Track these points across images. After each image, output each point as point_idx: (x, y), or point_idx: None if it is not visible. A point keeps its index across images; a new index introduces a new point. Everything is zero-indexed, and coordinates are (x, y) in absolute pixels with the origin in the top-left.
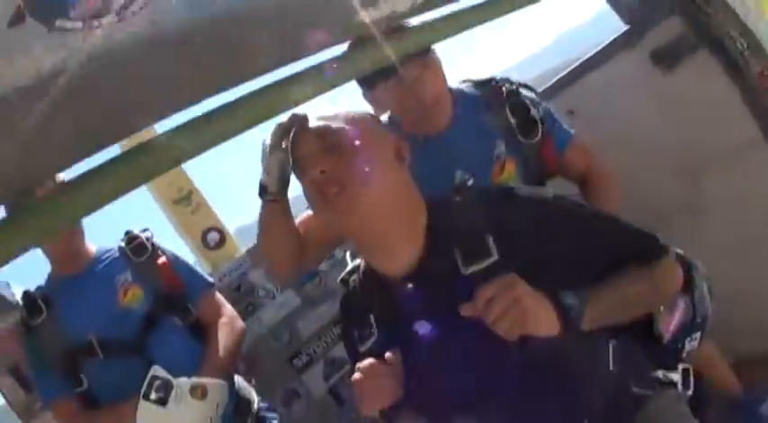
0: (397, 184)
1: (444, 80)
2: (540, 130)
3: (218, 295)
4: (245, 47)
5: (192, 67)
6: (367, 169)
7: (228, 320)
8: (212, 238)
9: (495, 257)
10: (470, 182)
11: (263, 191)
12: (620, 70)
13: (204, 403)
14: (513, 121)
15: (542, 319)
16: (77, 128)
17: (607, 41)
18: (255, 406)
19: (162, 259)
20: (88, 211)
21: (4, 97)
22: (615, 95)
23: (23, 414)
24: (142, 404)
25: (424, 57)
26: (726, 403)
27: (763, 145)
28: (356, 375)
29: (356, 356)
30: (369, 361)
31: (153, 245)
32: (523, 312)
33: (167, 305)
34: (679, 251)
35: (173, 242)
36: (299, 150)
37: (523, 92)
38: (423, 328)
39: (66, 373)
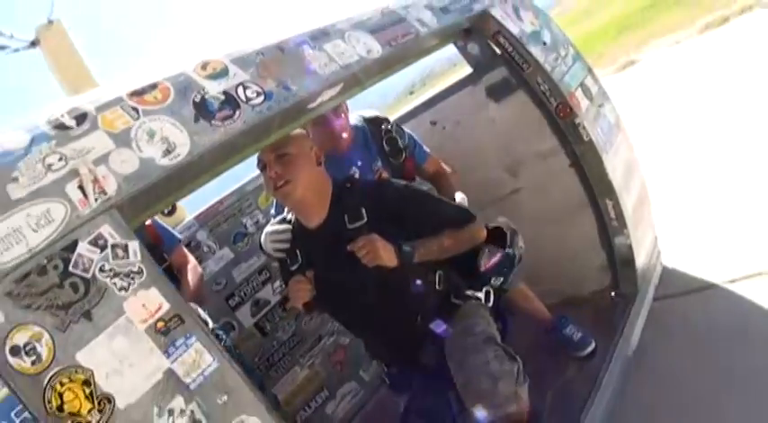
0: (316, 178)
1: (348, 121)
2: (404, 155)
3: (184, 248)
4: None
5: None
6: (299, 171)
7: (193, 266)
8: None
9: (365, 220)
10: (357, 175)
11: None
12: (466, 98)
13: None
14: (387, 148)
15: (386, 258)
16: None
17: (458, 79)
18: (211, 325)
19: (147, 221)
20: None
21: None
22: (463, 115)
23: None
24: None
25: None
26: (539, 324)
27: (559, 152)
28: (290, 283)
29: (288, 274)
30: (296, 276)
31: None
32: (377, 253)
33: (150, 255)
34: (502, 222)
35: None
36: (262, 157)
37: (394, 129)
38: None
39: None
